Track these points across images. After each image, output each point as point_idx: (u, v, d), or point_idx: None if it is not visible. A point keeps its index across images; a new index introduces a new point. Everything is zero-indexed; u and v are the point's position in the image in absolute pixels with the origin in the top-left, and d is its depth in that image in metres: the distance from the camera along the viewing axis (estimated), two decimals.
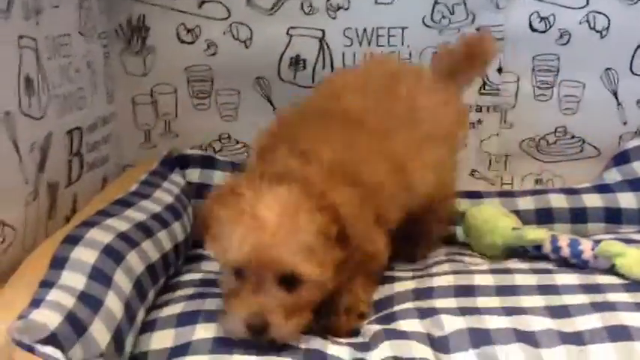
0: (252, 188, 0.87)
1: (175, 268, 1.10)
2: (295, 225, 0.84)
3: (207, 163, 1.34)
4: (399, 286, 1.05)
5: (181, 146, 1.38)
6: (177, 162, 1.33)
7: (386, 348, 0.87)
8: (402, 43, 1.34)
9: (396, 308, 0.98)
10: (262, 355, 0.83)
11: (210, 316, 0.91)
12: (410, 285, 1.04)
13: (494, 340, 0.86)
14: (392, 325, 0.92)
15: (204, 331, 0.88)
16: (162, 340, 0.88)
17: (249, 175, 0.92)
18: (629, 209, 1.26)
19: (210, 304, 0.95)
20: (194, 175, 1.32)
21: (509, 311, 0.92)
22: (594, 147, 1.39)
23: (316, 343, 0.88)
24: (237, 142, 1.41)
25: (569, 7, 1.32)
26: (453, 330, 0.88)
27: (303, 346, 0.87)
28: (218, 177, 1.32)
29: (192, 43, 1.36)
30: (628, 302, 0.92)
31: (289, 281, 0.85)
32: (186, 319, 0.91)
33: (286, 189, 0.86)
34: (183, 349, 0.85)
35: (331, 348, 0.87)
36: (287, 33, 1.34)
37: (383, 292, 1.03)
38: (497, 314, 0.91)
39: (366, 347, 0.89)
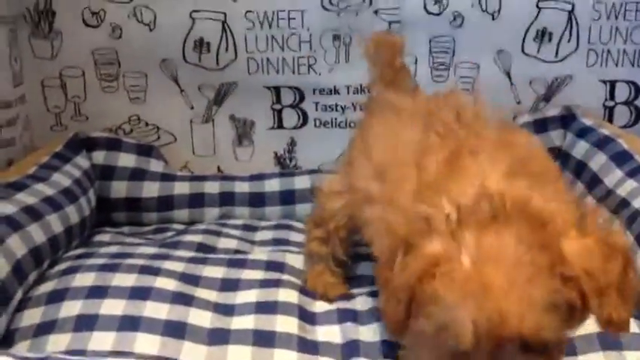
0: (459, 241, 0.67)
1: (66, 249, 1.14)
2: (532, 282, 0.64)
3: (113, 145, 1.37)
4: None
5: (91, 128, 1.41)
6: (84, 144, 1.36)
7: None
8: (302, 26, 1.37)
9: None
10: (120, 331, 0.89)
11: (76, 294, 0.95)
12: None
13: None
14: None
15: (69, 309, 0.92)
16: (31, 317, 0.93)
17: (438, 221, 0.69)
18: None
19: (81, 279, 0.99)
20: (99, 157, 1.36)
21: None
22: None
23: None
24: (147, 124, 1.45)
25: None
26: None
27: None
28: (123, 159, 1.36)
29: (97, 26, 1.38)
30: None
31: (530, 346, 0.65)
32: (55, 297, 0.95)
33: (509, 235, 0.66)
34: (49, 326, 0.90)
35: None
36: (190, 16, 1.37)
37: None
38: None
39: None
